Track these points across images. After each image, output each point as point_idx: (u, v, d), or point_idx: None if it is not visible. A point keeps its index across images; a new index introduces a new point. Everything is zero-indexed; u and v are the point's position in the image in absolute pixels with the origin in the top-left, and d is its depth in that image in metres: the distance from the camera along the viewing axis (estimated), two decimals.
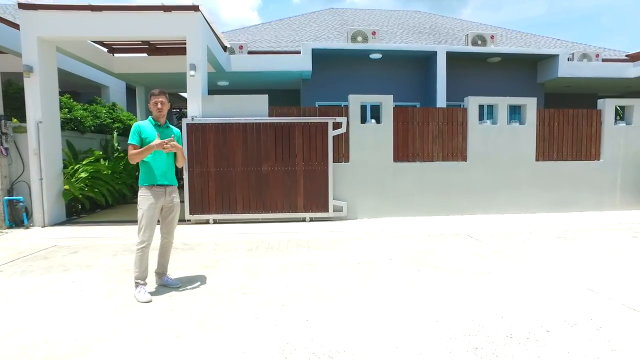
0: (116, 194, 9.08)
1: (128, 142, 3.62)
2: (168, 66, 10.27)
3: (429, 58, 11.31)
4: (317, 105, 9.69)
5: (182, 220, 7.60)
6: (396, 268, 4.54)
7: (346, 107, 7.58)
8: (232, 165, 7.22)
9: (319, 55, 10.63)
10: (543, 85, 12.22)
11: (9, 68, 9.37)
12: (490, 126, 7.93)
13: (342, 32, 13.40)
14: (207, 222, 7.28)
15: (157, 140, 3.55)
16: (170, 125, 3.87)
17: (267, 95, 7.37)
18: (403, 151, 7.76)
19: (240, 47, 10.99)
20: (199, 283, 4.08)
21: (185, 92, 15.01)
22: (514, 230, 6.57)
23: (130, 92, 13.41)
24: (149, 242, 3.69)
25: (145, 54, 10.49)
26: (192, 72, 7.09)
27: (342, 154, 7.59)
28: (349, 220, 7.53)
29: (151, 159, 3.64)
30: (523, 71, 12.00)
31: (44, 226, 7.16)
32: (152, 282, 3.99)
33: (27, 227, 7.08)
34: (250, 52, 10.93)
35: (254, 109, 7.30)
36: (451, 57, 10.90)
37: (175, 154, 3.79)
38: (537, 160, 8.07)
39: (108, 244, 5.88)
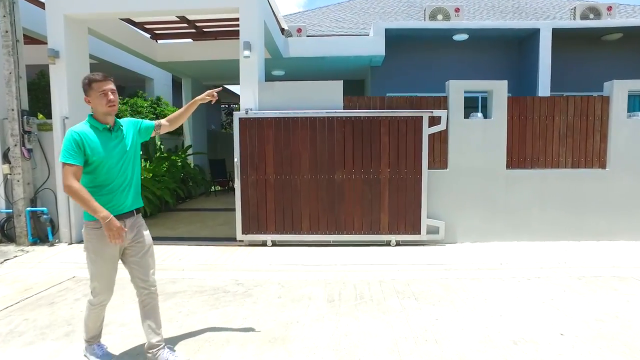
0: (156, 201, 7.79)
1: (62, 159, 2.31)
2: (216, 52, 8.88)
3: (525, 39, 9.16)
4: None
5: (230, 240, 6.10)
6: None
7: (444, 97, 5.74)
8: (297, 172, 5.62)
9: (391, 38, 8.81)
10: None
11: (41, 60, 8.31)
12: None
13: (410, 13, 11.49)
14: (263, 244, 5.73)
15: (114, 222, 2.32)
16: (120, 120, 2.59)
17: (341, 82, 5.69)
18: (519, 154, 5.81)
19: (299, 30, 9.42)
20: None
21: (235, 84, 13.71)
22: None
23: (176, 85, 12.26)
24: (102, 301, 2.56)
25: (190, 40, 9.16)
26: (246, 52, 5.54)
27: (437, 158, 5.77)
28: (447, 245, 5.71)
29: (105, 175, 2.40)
30: (635, 52, 9.51)
31: (71, 243, 5.92)
32: None
33: (51, 244, 5.86)
34: (309, 37, 9.34)
35: (324, 99, 5.65)
36: (555, 36, 8.70)
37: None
38: None
39: None
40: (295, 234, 5.69)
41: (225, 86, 15.93)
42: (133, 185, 2.55)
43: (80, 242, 5.92)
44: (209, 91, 2.88)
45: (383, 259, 5.11)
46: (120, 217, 2.40)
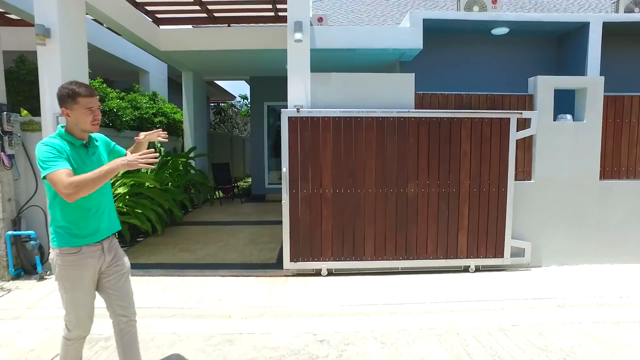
0: (164, 215, 6.53)
1: (46, 170, 2.00)
2: (230, 41, 7.66)
3: (568, 34, 8.46)
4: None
5: (270, 267, 4.96)
6: None
7: (529, 96, 4.85)
8: (360, 185, 4.57)
9: (425, 30, 7.89)
10: None
11: (20, 45, 6.86)
12: None
13: (436, 2, 10.66)
14: (317, 273, 4.65)
15: (132, 156, 2.07)
16: (92, 135, 2.35)
17: (413, 75, 4.69)
18: (613, 163, 5.00)
19: (320, 19, 8.33)
20: None
21: (239, 79, 12.42)
22: None
23: (170, 82, 10.90)
24: (81, 334, 2.29)
25: (199, 26, 7.91)
26: (297, 35, 4.45)
27: (519, 168, 4.87)
28: (533, 270, 4.81)
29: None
30: None
31: None
32: None
33: (41, 278, 4.56)
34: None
35: (391, 95, 4.63)
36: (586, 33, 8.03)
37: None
38: None
39: (168, 328, 3.29)
40: (357, 260, 4.64)
41: (216, 82, 14.63)
42: (108, 206, 2.35)
43: None
44: (156, 131, 2.63)
45: (472, 291, 4.15)
46: (97, 243, 2.23)
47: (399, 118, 4.52)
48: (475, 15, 7.83)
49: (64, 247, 2.14)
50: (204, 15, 7.31)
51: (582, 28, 8.03)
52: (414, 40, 7.66)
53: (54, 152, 2.03)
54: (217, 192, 10.07)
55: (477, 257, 4.74)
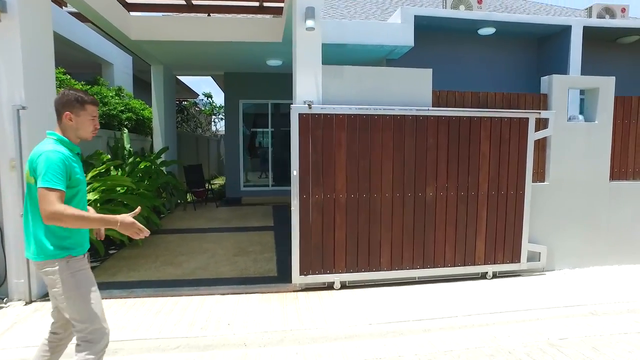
0: (142, 223, 5.76)
1: (48, 183, 1.91)
2: (208, 32, 6.99)
3: (550, 37, 8.59)
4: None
5: (272, 281, 4.38)
6: None
7: (543, 96, 4.69)
8: (376, 189, 4.18)
9: (415, 27, 7.67)
10: None
11: None
12: None
13: (419, 1, 10.52)
14: (329, 286, 4.21)
15: (130, 219, 2.05)
16: None
17: (430, 70, 4.37)
18: (621, 164, 4.97)
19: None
20: None
21: (209, 75, 11.61)
22: None
23: (135, 79, 9.96)
24: (107, 342, 2.13)
25: (174, 14, 7.17)
26: (309, 22, 3.98)
27: (533, 170, 4.70)
28: (548, 275, 4.67)
29: (81, 206, 2.14)
30: None
31: (30, 302, 3.87)
32: None
33: None
34: None
35: (407, 91, 4.29)
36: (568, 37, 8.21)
37: None
38: None
39: None
40: (372, 270, 4.24)
41: (179, 77, 13.70)
42: None
43: (45, 296, 3.89)
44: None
45: (497, 301, 3.89)
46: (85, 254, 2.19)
47: (417, 117, 4.18)
48: (466, 14, 7.73)
49: (74, 256, 2.08)
50: (182, 2, 6.61)
51: (563, 31, 8.18)
52: (405, 37, 7.42)
53: (62, 168, 1.97)
54: (188, 196, 9.30)
55: (494, 263, 4.51)
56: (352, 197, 4.14)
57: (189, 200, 9.19)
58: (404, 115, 4.15)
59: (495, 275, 4.55)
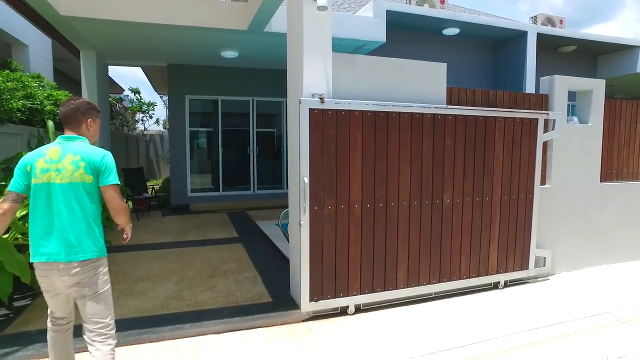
0: None
1: (117, 181, 2.20)
2: (159, 13, 5.90)
3: (504, 42, 8.85)
4: None
5: (275, 308, 3.54)
6: None
7: (545, 96, 4.57)
8: (393, 196, 3.67)
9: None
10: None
11: None
12: None
13: None
14: (342, 311, 3.60)
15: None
16: None
17: (445, 64, 3.97)
18: (608, 166, 5.06)
19: None
20: None
21: (149, 65, 10.14)
22: None
23: (56, 71, 8.33)
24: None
25: None
26: (321, 1, 3.34)
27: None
28: (552, 280, 4.56)
29: None
30: (583, 65, 10.32)
31: None
32: None
33: None
34: None
35: (421, 87, 3.84)
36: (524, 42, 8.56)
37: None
38: None
39: None
40: (389, 289, 3.73)
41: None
42: None
43: None
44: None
45: (523, 315, 3.62)
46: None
47: (436, 115, 3.76)
48: (436, 12, 7.62)
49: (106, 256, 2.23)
50: None
51: (519, 37, 8.44)
52: (377, 33, 7.07)
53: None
54: (129, 204, 8.00)
55: (505, 272, 4.27)
56: (368, 207, 3.58)
57: (131, 208, 7.90)
58: (423, 113, 3.69)
59: (507, 285, 4.31)
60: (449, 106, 3.82)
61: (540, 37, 8.59)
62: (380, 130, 3.56)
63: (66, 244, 2.04)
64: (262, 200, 9.51)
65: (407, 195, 3.71)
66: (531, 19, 9.74)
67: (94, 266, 2.12)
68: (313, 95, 3.40)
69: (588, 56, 10.39)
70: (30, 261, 2.09)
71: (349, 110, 3.44)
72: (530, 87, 8.27)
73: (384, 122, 3.57)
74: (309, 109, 3.33)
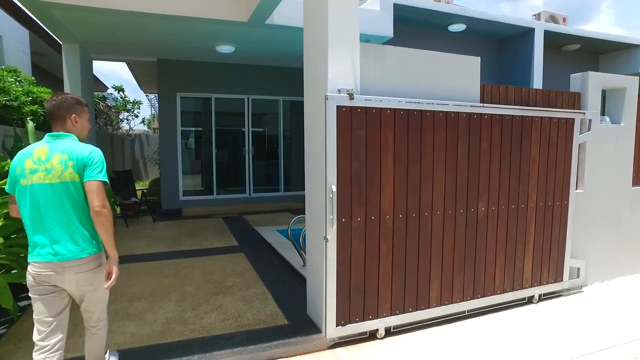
0: None
1: (104, 178, 2.14)
2: (143, 1, 5.37)
3: (509, 39, 8.59)
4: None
5: (294, 333, 3.07)
6: None
7: (578, 94, 4.24)
8: (427, 205, 3.28)
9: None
10: None
11: None
12: None
13: None
14: (370, 335, 3.19)
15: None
16: None
17: (479, 58, 3.59)
18: (636, 169, 4.77)
19: None
20: None
21: (136, 60, 9.54)
22: None
23: (35, 67, 7.68)
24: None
25: None
26: None
27: None
28: (585, 291, 4.24)
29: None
30: (585, 65, 10.15)
31: None
32: None
33: None
34: None
35: (457, 83, 3.46)
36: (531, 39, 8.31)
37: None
38: None
39: None
40: (420, 309, 3.33)
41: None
42: None
43: None
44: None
45: (572, 335, 3.27)
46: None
47: (472, 114, 3.38)
48: (443, 6, 7.26)
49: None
50: None
51: (526, 33, 8.18)
52: (384, 27, 6.69)
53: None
54: (117, 209, 7.44)
55: (539, 284, 3.92)
56: (401, 218, 3.18)
57: (118, 214, 7.34)
58: (458, 112, 3.31)
59: (540, 298, 3.96)
60: (485, 105, 3.44)
61: (546, 34, 8.36)
62: (414, 130, 3.16)
63: (61, 243, 2.05)
64: (259, 204, 9.03)
65: (441, 204, 3.33)
66: (534, 17, 9.51)
67: (92, 263, 2.16)
68: (339, 90, 2.97)
69: (590, 55, 10.24)
70: (29, 261, 2.08)
71: (380, 108, 3.03)
72: (537, 85, 8.02)
73: (418, 122, 3.17)
74: (337, 106, 2.90)
